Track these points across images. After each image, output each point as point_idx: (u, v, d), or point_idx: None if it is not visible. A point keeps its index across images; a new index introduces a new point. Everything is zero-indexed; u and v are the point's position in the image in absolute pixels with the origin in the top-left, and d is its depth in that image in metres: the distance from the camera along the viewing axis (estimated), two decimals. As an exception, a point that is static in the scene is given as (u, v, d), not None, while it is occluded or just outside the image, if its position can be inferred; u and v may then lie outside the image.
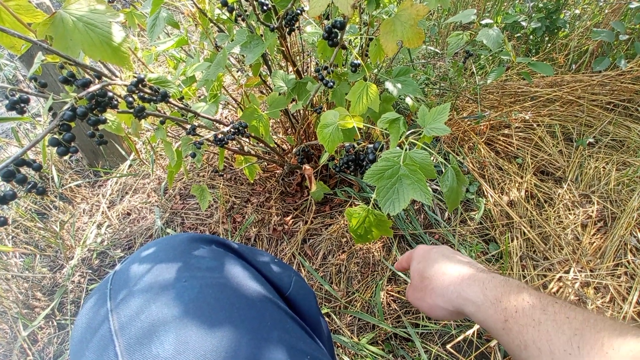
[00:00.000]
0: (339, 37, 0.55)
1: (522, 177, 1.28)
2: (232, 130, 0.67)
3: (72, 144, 0.42)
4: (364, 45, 0.91)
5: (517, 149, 1.39)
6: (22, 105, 0.45)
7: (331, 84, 0.62)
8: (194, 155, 0.66)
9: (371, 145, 0.48)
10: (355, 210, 0.44)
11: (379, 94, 0.62)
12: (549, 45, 1.65)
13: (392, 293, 1.04)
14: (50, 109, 0.53)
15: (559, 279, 0.95)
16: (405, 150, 0.38)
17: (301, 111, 0.95)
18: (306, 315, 0.48)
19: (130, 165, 1.52)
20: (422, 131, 0.44)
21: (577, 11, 1.57)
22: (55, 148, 0.40)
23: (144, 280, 0.36)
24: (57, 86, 1.25)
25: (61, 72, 0.48)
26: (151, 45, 0.99)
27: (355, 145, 0.55)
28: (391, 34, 0.44)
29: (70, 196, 1.42)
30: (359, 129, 0.56)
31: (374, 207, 0.44)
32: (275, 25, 0.70)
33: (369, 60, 0.88)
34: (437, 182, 1.32)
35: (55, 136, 0.40)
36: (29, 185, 0.38)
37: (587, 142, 1.36)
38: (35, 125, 1.65)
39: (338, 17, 0.50)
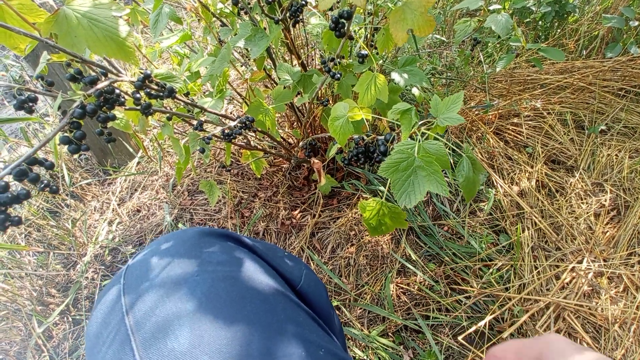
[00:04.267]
0: (346, 28, 0.54)
1: (532, 167, 1.26)
2: (239, 124, 0.67)
3: (83, 142, 0.42)
4: (369, 35, 0.89)
5: (527, 138, 1.37)
6: (30, 104, 0.45)
7: (338, 75, 0.61)
8: (202, 151, 0.66)
9: (382, 137, 0.47)
10: (369, 203, 0.44)
11: (387, 85, 0.61)
12: (559, 30, 1.61)
13: (401, 285, 1.03)
14: (58, 107, 0.53)
15: (572, 269, 0.93)
16: (419, 141, 0.37)
17: (307, 104, 0.95)
18: (318, 308, 0.48)
19: (138, 163, 1.53)
20: (434, 121, 0.44)
21: (588, -5, 1.53)
22: (66, 146, 0.40)
23: (156, 274, 0.36)
24: (63, 85, 1.26)
25: (68, 70, 0.48)
26: (155, 42, 0.99)
27: (365, 137, 0.54)
28: (401, 23, 0.43)
29: (81, 194, 1.43)
30: (367, 120, 0.55)
31: (387, 199, 0.44)
32: (280, 18, 0.69)
33: (375, 50, 0.87)
34: (444, 172, 1.31)
35: (66, 134, 0.40)
36: (42, 184, 0.38)
37: (599, 129, 1.33)
38: (44, 125, 1.67)
39: (345, 7, 0.49)
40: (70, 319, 1.10)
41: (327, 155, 0.81)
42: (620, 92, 1.43)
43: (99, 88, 0.45)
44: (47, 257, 1.23)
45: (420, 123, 0.43)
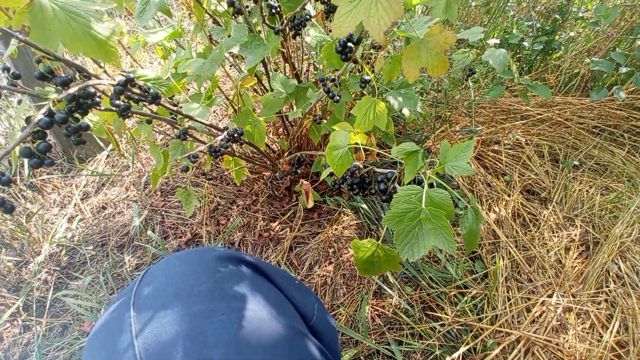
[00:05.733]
0: (353, 52, 0.51)
1: (509, 195, 1.29)
2: (227, 137, 0.63)
3: (48, 155, 0.36)
4: (365, 54, 0.87)
5: (506, 166, 1.40)
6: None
7: (338, 97, 0.58)
8: (186, 170, 0.60)
9: (383, 172, 0.45)
10: (364, 244, 0.41)
11: (386, 112, 0.59)
12: (542, 65, 1.67)
13: (377, 307, 1.02)
14: (19, 102, 0.47)
15: (542, 303, 0.96)
16: (424, 188, 0.35)
17: (297, 118, 0.91)
18: (327, 346, 0.45)
19: (108, 156, 1.43)
20: (437, 162, 0.42)
21: (572, 34, 1.59)
22: (27, 160, 0.35)
23: (175, 308, 0.33)
24: (34, 69, 1.15)
25: (37, 67, 0.42)
26: (139, 33, 0.92)
27: (361, 167, 0.51)
28: (415, 60, 0.41)
29: (41, 185, 1.32)
30: (362, 146, 0.53)
31: (384, 241, 0.41)
32: (280, 28, 0.65)
33: (372, 69, 0.85)
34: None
35: (27, 145, 0.35)
36: (-7, 203, 0.33)
37: (573, 164, 1.39)
38: (7, 107, 1.53)
39: (357, 33, 0.47)
40: (20, 323, 1.00)
41: (318, 173, 0.78)
42: (595, 130, 1.50)
43: (72, 92, 0.40)
44: (-4, 253, 1.11)
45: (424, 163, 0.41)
